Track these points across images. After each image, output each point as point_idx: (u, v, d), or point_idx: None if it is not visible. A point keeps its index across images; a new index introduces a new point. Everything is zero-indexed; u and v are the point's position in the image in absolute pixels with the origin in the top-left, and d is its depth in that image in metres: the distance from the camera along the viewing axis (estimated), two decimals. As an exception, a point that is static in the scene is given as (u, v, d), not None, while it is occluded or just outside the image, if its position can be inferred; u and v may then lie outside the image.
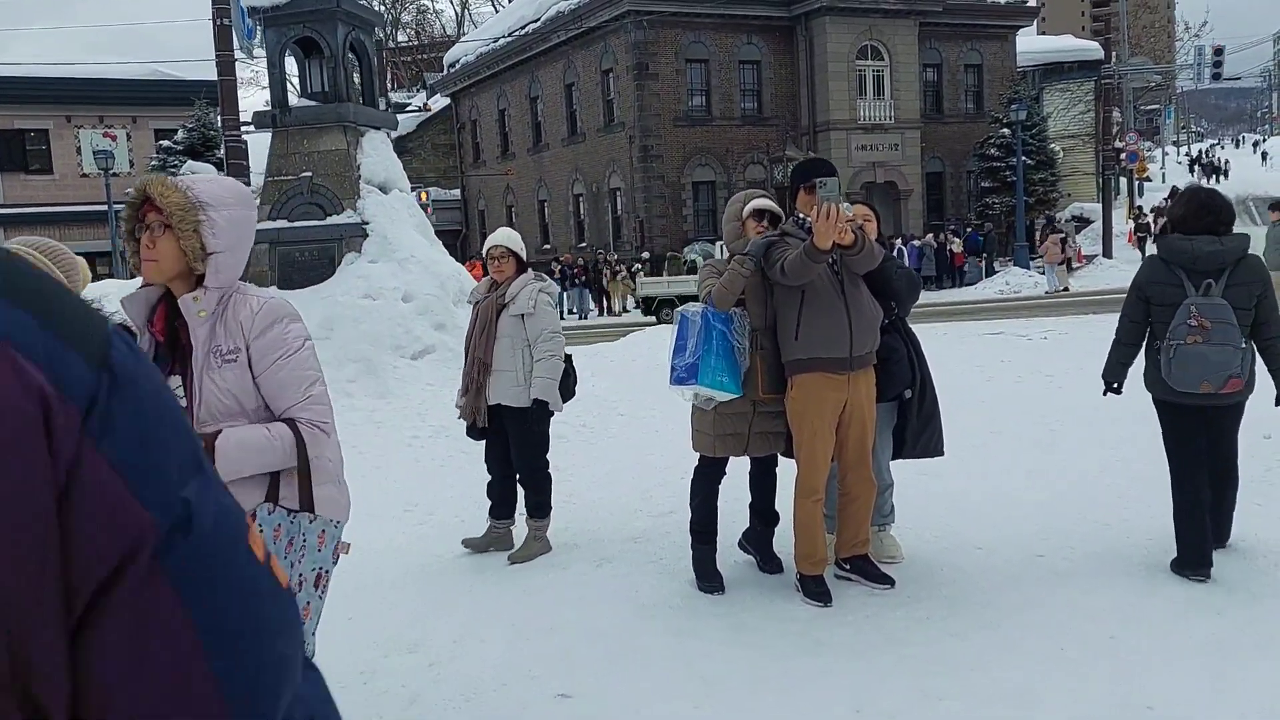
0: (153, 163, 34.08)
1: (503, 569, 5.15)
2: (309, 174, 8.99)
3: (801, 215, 4.43)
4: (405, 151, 48.77)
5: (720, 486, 4.72)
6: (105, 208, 30.61)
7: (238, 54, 13.48)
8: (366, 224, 8.88)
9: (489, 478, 5.47)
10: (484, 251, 5.35)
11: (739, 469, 4.80)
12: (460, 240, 45.73)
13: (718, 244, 31.51)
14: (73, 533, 0.56)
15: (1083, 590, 4.29)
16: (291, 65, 9.62)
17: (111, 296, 17.87)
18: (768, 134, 34.17)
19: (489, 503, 5.49)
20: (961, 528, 5.20)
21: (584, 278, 28.09)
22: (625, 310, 28.85)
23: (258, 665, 0.63)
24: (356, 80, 9.46)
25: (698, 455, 4.69)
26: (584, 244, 36.17)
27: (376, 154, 9.10)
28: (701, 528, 4.67)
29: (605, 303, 28.65)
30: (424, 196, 37.86)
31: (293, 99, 9.14)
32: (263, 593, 0.65)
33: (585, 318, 27.51)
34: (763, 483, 4.82)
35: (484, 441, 5.42)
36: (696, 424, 4.58)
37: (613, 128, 34.35)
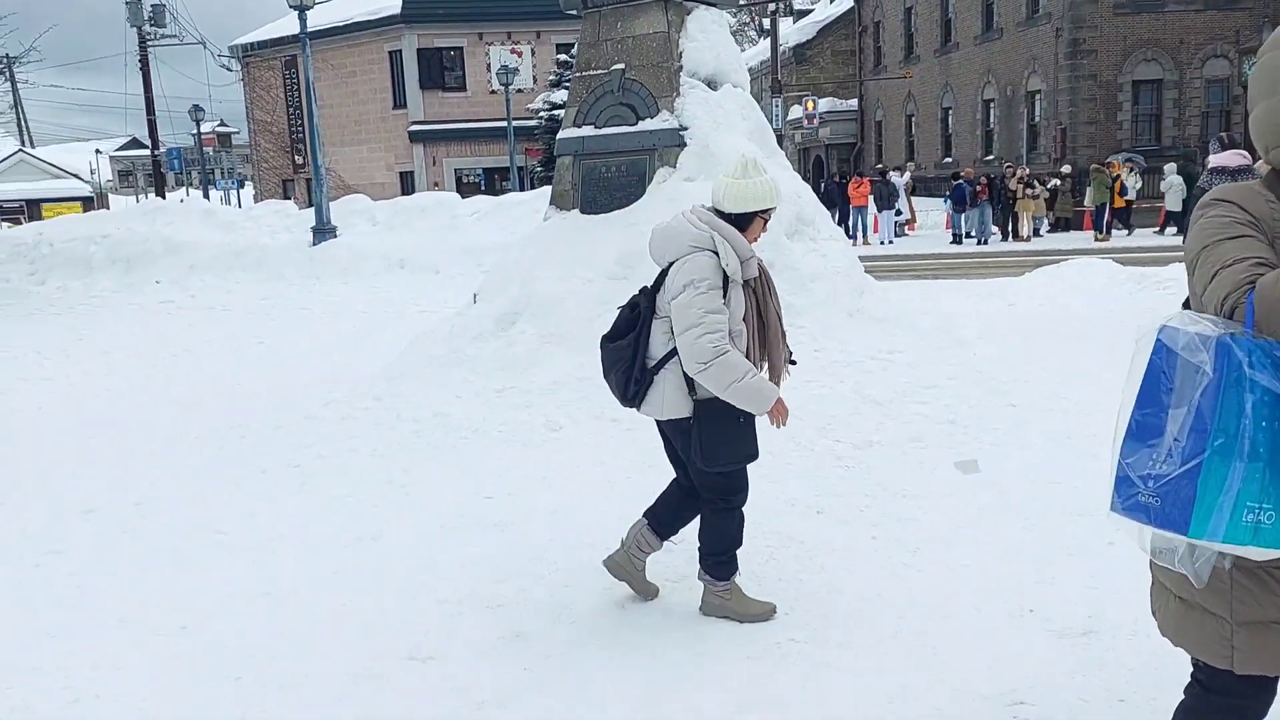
0: (551, 78, 34.71)
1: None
2: (620, 66, 7.15)
3: None
4: (804, 60, 46.43)
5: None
6: (505, 124, 31.50)
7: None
8: (684, 130, 6.89)
9: None
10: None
11: None
12: (854, 153, 42.80)
13: (1121, 161, 26.04)
14: None
15: None
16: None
17: (506, 205, 17.73)
18: (1237, 19, 27.66)
19: None
20: None
21: (986, 195, 24.14)
22: (1036, 234, 24.75)
23: None
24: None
25: (1194, 665, 2.10)
26: (991, 156, 31.90)
27: (705, 38, 7.05)
28: None
29: (1012, 225, 24.67)
30: (810, 106, 35.36)
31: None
32: None
33: (985, 242, 23.79)
34: None
35: None
36: (1195, 594, 1.98)
37: (1036, 19, 29.52)
